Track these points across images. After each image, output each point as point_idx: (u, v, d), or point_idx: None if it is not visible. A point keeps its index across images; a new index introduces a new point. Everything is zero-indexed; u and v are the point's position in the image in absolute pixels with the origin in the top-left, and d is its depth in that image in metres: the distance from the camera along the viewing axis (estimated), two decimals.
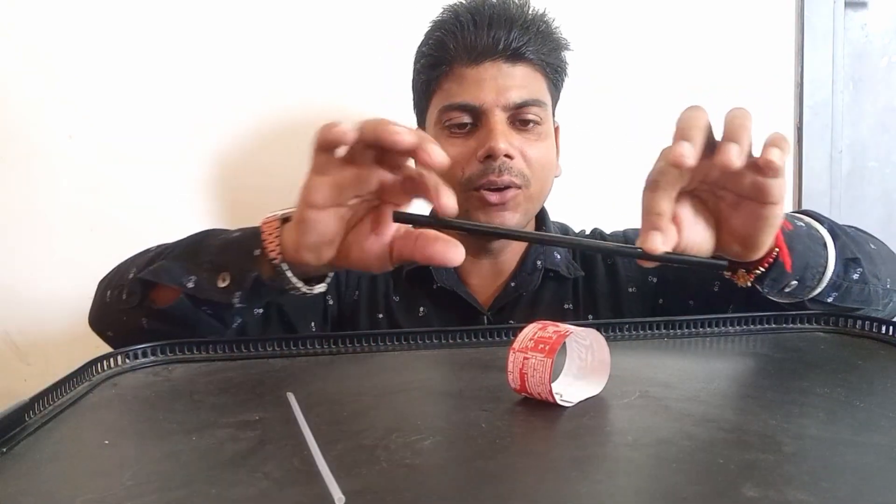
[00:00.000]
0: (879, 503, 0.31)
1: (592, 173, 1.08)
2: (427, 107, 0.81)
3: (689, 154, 0.46)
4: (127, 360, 0.60)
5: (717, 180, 0.53)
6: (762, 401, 0.47)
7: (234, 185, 1.03)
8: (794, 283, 0.61)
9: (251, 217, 1.04)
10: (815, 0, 1.15)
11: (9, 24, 0.97)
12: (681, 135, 0.47)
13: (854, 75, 1.22)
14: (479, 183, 0.75)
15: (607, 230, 0.92)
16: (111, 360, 0.59)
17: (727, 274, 0.60)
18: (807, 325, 0.65)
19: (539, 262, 0.83)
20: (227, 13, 1.01)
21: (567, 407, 0.44)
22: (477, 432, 0.41)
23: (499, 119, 0.74)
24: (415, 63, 0.83)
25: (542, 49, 0.77)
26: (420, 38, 0.82)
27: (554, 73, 0.80)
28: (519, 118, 0.76)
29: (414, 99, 0.85)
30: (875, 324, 0.61)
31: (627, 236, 0.87)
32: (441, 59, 0.77)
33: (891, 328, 0.60)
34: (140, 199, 1.01)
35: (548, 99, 0.80)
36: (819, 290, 0.62)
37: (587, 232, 0.92)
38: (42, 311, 1.01)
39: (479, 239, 0.81)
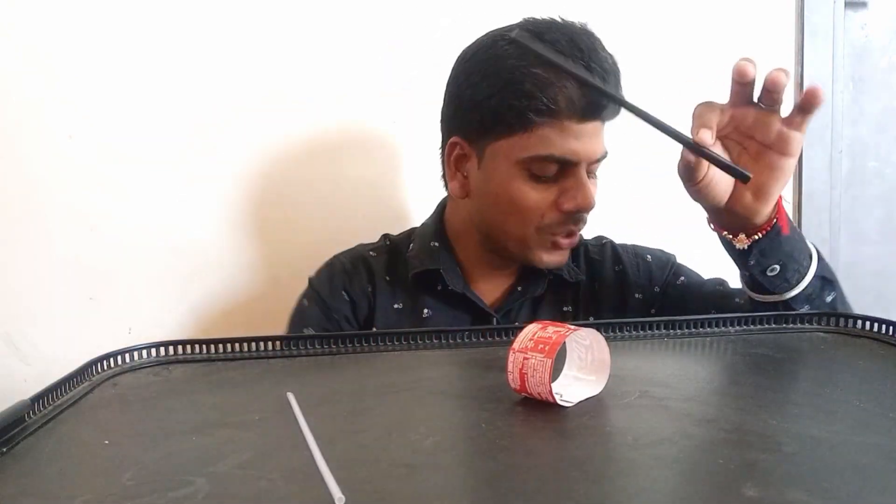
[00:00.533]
0: (879, 503, 0.31)
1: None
2: (501, 135, 0.75)
3: (752, 71, 0.61)
4: (127, 360, 0.60)
5: (748, 128, 0.64)
6: (762, 401, 0.47)
7: (234, 185, 1.03)
8: (777, 267, 0.68)
9: (251, 217, 1.04)
10: (815, 0, 1.15)
11: (9, 24, 0.97)
12: (740, 71, 0.61)
13: (854, 75, 1.22)
14: (558, 230, 0.77)
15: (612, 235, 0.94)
16: (111, 360, 0.59)
17: (727, 234, 0.69)
18: (807, 325, 0.65)
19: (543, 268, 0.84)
20: (226, 14, 1.01)
21: (567, 407, 0.44)
22: (477, 432, 0.41)
23: (585, 174, 0.75)
24: (488, 76, 0.74)
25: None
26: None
27: None
28: (589, 170, 0.78)
29: (461, 108, 0.78)
30: (875, 324, 0.61)
31: (637, 253, 0.89)
32: (546, 107, 0.72)
33: (891, 328, 0.60)
34: (140, 199, 1.01)
35: None
36: (796, 291, 0.69)
37: (589, 240, 0.93)
38: (42, 311, 1.01)
39: (498, 257, 0.83)
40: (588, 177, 0.77)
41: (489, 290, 0.85)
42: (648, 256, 0.89)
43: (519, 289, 0.84)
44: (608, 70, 0.73)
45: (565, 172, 0.75)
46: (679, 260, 0.91)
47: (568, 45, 0.71)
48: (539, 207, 0.75)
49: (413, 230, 0.90)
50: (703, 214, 0.72)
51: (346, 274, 0.85)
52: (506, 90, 0.73)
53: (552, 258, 0.79)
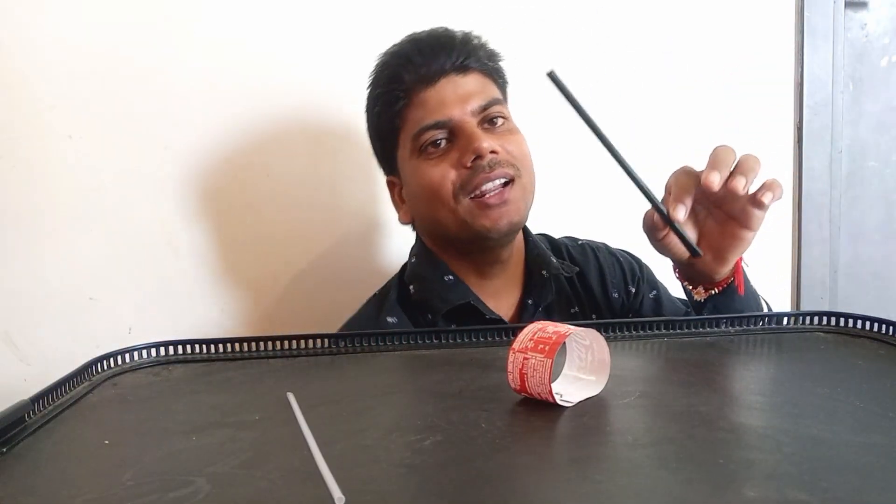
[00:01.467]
0: (879, 503, 0.31)
1: (590, 173, 1.08)
2: (396, 145, 0.82)
3: (717, 182, 0.63)
4: (127, 360, 0.60)
5: (717, 199, 0.68)
6: (762, 401, 0.47)
7: (234, 186, 1.03)
8: None
9: (251, 217, 1.04)
10: (815, 0, 1.15)
11: (9, 23, 0.97)
12: (713, 165, 0.65)
13: (854, 75, 1.22)
14: (473, 184, 0.76)
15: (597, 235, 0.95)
16: (111, 360, 0.59)
17: (687, 285, 0.74)
18: (807, 325, 0.65)
19: (544, 273, 0.84)
20: (226, 14, 1.01)
21: (567, 407, 0.44)
22: (477, 432, 0.41)
23: (472, 124, 0.78)
24: (369, 111, 0.85)
25: (483, 58, 0.82)
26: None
27: (500, 78, 0.85)
28: (487, 119, 0.79)
29: (376, 148, 0.87)
30: (875, 324, 0.61)
31: (611, 251, 0.92)
32: (398, 94, 0.80)
33: (891, 328, 0.60)
34: (140, 199, 1.01)
35: (503, 99, 0.84)
36: None
37: (554, 237, 0.93)
38: (42, 311, 1.01)
39: (491, 252, 0.81)
40: (490, 125, 0.79)
41: (503, 307, 0.84)
42: (619, 256, 0.91)
43: (529, 301, 0.83)
44: (443, 40, 0.80)
45: (452, 135, 0.78)
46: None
47: (394, 50, 0.82)
48: (445, 177, 0.77)
49: (389, 283, 0.86)
50: None
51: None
52: (372, 111, 0.84)
53: (492, 221, 0.76)
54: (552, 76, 0.64)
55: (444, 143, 0.78)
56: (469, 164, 0.76)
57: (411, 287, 0.83)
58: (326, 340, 0.64)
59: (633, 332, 0.65)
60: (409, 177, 0.82)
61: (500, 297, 0.84)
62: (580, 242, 0.92)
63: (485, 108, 0.79)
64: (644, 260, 0.92)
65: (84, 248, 1.01)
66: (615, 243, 0.94)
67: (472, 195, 0.76)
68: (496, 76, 0.84)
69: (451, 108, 0.78)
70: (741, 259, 0.71)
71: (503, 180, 0.76)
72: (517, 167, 0.78)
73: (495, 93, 0.81)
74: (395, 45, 0.82)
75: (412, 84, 0.79)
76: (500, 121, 0.80)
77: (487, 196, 0.76)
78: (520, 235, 0.85)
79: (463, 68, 0.80)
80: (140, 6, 0.99)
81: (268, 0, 1.02)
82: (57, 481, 0.37)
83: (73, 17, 0.98)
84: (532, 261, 0.85)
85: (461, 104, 0.78)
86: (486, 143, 0.75)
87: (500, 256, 0.83)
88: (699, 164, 0.66)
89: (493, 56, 0.84)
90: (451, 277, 0.82)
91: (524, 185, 0.79)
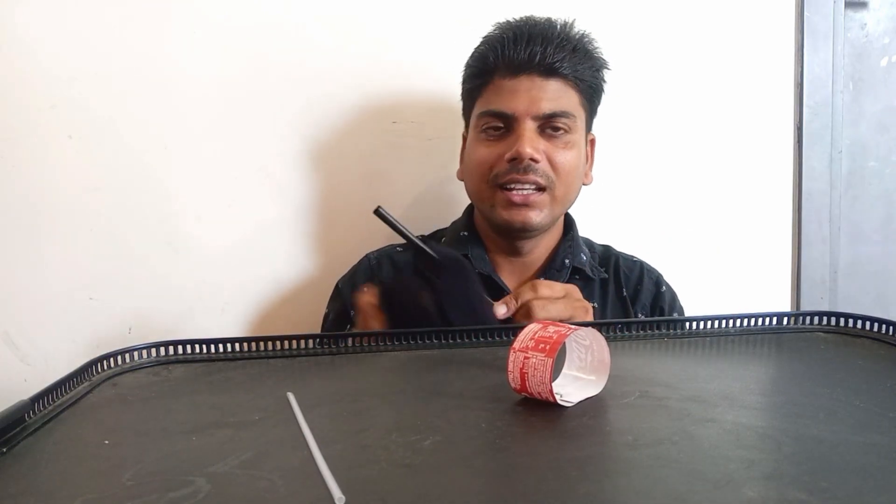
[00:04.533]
0: (879, 503, 0.31)
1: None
2: (471, 113, 0.88)
3: (504, 314, 0.72)
4: (127, 360, 0.60)
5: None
6: (762, 401, 0.47)
7: (234, 185, 1.03)
8: None
9: (251, 217, 1.04)
10: (815, 0, 1.15)
11: (9, 24, 0.97)
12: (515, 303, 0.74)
13: (854, 75, 1.22)
14: (504, 180, 0.81)
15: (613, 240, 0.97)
16: (111, 360, 0.59)
17: None
18: (807, 325, 0.65)
19: (567, 261, 0.89)
20: (226, 14, 1.01)
21: (567, 407, 0.44)
22: (477, 432, 0.41)
23: (528, 127, 0.81)
24: (463, 74, 0.89)
25: (576, 66, 0.83)
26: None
27: (588, 90, 0.85)
28: (548, 126, 0.82)
29: (463, 106, 0.92)
30: (875, 324, 0.61)
31: (659, 281, 0.93)
32: (483, 71, 0.84)
33: (891, 328, 0.60)
34: (140, 199, 1.01)
35: (579, 112, 0.85)
36: None
37: (594, 243, 0.97)
38: (42, 311, 1.01)
39: (510, 241, 0.87)
40: (545, 132, 0.82)
41: (514, 279, 0.90)
42: (664, 287, 0.93)
43: (542, 279, 0.86)
44: (546, 34, 0.81)
45: (510, 128, 0.82)
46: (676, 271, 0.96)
47: (503, 25, 0.84)
48: (487, 161, 0.83)
49: (445, 228, 0.96)
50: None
51: (371, 270, 0.91)
52: (466, 69, 0.89)
53: (510, 215, 0.82)
54: (379, 213, 0.70)
55: (502, 131, 0.83)
56: (508, 161, 0.80)
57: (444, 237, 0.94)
58: (326, 340, 0.64)
59: (633, 332, 0.65)
60: (468, 144, 0.89)
61: (515, 271, 0.90)
62: (636, 260, 0.95)
63: (551, 116, 0.81)
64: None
65: (84, 248, 1.01)
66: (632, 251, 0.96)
67: (502, 187, 0.82)
68: (584, 88, 0.85)
69: (518, 103, 0.81)
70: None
71: (532, 187, 0.81)
72: (552, 179, 0.82)
73: (570, 104, 0.83)
74: (508, 22, 0.85)
75: (496, 68, 0.83)
76: (561, 132, 0.82)
77: (513, 193, 0.81)
78: (551, 237, 0.90)
79: (548, 71, 0.81)
80: (140, 6, 0.99)
81: (268, 0, 1.02)
82: (57, 481, 0.37)
83: (73, 17, 0.98)
84: (563, 251, 0.89)
85: (529, 104, 0.81)
86: (530, 149, 0.80)
87: (520, 249, 0.88)
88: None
89: (592, 67, 0.85)
90: (465, 233, 0.90)
91: (555, 196, 0.83)
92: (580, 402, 0.45)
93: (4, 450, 0.41)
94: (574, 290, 0.76)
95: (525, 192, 0.81)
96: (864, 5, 1.21)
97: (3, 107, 0.98)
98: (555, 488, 0.33)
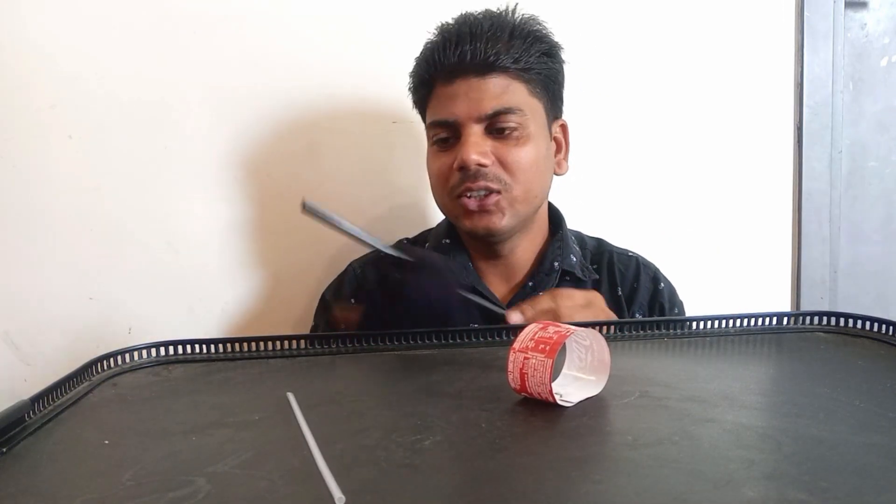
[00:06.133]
0: (879, 503, 0.31)
1: (590, 174, 1.08)
2: (424, 119, 0.86)
3: (518, 321, 0.70)
4: (127, 360, 0.60)
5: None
6: (762, 400, 0.47)
7: (234, 184, 1.03)
8: None
9: (251, 217, 1.04)
10: (815, 0, 1.15)
11: (10, 24, 0.97)
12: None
13: (854, 75, 1.22)
14: (459, 191, 0.79)
15: (609, 234, 0.94)
16: (111, 360, 0.59)
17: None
18: (807, 325, 0.65)
19: (556, 264, 0.85)
20: (226, 14, 1.01)
21: (567, 407, 0.44)
22: (477, 432, 0.41)
23: (472, 131, 0.78)
24: (412, 76, 0.86)
25: (516, 56, 0.77)
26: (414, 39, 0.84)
27: (538, 77, 0.80)
28: (495, 127, 0.78)
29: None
30: (875, 324, 0.61)
31: (657, 277, 0.90)
32: (424, 81, 0.82)
33: (891, 328, 0.60)
34: (140, 199, 1.01)
35: (531, 104, 0.80)
36: None
37: (586, 238, 0.94)
38: (42, 311, 1.01)
39: (487, 245, 0.85)
40: (493, 133, 0.78)
41: (500, 285, 0.87)
42: (662, 284, 0.90)
43: (530, 284, 0.85)
44: (474, 31, 0.77)
45: (457, 135, 0.79)
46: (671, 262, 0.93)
47: (441, 28, 0.81)
48: (442, 172, 0.81)
49: (429, 230, 0.94)
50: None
51: (356, 280, 0.89)
52: (411, 79, 0.86)
53: (472, 222, 0.80)
54: (308, 207, 0.64)
55: (450, 140, 0.80)
56: (457, 170, 0.78)
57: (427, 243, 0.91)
58: (326, 340, 0.64)
59: (633, 332, 0.65)
60: (426, 157, 0.86)
61: (502, 278, 0.88)
62: (631, 255, 0.92)
63: (494, 115, 0.77)
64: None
65: (84, 248, 1.00)
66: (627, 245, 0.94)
67: (459, 196, 0.79)
68: (533, 77, 0.80)
69: (458, 108, 0.78)
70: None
71: (483, 192, 0.78)
72: (505, 181, 0.78)
73: (516, 99, 0.78)
74: (442, 25, 0.81)
75: (436, 75, 0.80)
76: (508, 130, 0.78)
77: (469, 200, 0.79)
78: (533, 236, 0.87)
79: (483, 69, 0.77)
80: (140, 6, 0.99)
81: (268, 0, 1.02)
82: (57, 481, 0.37)
83: (73, 17, 0.98)
84: (551, 252, 0.86)
85: (469, 107, 0.78)
86: (475, 154, 0.77)
87: (499, 251, 0.85)
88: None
89: (536, 53, 0.79)
90: (447, 241, 0.88)
91: (514, 197, 0.79)
92: (580, 402, 0.45)
93: (4, 450, 0.41)
94: (596, 297, 0.74)
95: (478, 197, 0.78)
96: (864, 5, 1.21)
97: (3, 107, 0.98)
98: (555, 488, 0.33)
